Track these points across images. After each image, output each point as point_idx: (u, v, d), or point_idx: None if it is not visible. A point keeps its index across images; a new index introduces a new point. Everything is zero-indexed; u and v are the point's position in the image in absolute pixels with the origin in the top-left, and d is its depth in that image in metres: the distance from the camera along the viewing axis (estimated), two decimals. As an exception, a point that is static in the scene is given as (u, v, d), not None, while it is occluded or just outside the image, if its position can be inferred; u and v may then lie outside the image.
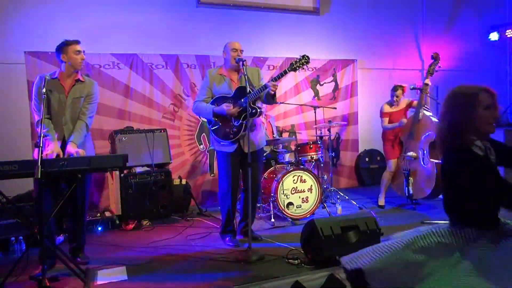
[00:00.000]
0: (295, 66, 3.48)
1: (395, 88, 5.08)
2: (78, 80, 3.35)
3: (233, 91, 3.66)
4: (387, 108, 5.15)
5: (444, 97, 2.16)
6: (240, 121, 3.59)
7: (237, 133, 3.62)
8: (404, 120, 4.93)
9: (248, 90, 3.39)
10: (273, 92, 3.48)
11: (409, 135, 4.82)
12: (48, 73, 3.28)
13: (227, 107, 3.58)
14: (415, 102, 5.00)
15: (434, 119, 4.71)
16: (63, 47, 3.28)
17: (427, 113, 4.80)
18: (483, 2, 7.63)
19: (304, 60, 3.47)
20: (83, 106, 3.36)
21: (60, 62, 3.33)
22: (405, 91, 5.08)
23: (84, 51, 3.36)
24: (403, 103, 5.11)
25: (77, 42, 3.34)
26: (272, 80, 3.51)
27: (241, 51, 3.70)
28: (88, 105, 3.37)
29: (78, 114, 3.34)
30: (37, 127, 3.21)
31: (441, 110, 2.14)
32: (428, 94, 4.80)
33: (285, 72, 3.50)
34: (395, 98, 5.06)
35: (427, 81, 4.78)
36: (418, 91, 4.86)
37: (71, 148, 3.14)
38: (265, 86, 3.47)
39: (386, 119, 5.13)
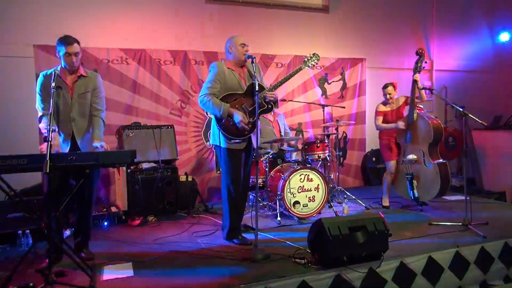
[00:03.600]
0: (309, 63, 3.73)
1: (385, 86, 4.94)
2: (80, 76, 3.30)
3: (244, 87, 3.66)
4: (381, 107, 4.98)
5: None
6: (255, 118, 3.55)
7: (252, 129, 3.62)
8: (401, 124, 4.72)
9: (255, 84, 3.43)
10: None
11: (406, 137, 4.75)
12: (52, 69, 3.21)
13: (243, 122, 3.53)
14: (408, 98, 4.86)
15: (430, 119, 4.65)
16: (57, 45, 3.19)
17: (420, 112, 4.74)
18: (493, 3, 7.55)
19: (315, 58, 3.73)
20: (92, 101, 3.34)
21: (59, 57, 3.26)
22: (396, 87, 4.92)
23: (77, 53, 3.18)
24: (399, 100, 4.94)
25: (68, 42, 3.15)
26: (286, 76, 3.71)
27: (248, 46, 3.68)
28: (97, 99, 3.36)
29: (89, 110, 3.33)
30: (39, 122, 3.22)
31: None
32: (421, 90, 4.69)
33: (300, 69, 3.72)
34: (387, 96, 4.91)
35: (416, 76, 4.64)
36: (428, 91, 4.79)
37: (97, 142, 3.17)
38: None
39: (380, 118, 4.94)
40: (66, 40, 3.17)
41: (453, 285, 3.38)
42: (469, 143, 6.65)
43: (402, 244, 3.54)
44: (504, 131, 6.44)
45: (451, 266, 3.37)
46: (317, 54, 3.77)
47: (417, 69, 4.67)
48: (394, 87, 4.93)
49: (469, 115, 4.18)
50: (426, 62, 4.70)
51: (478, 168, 6.65)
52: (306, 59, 3.75)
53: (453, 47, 7.27)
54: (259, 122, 3.52)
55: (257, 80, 3.50)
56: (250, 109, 3.62)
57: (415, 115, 4.69)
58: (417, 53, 4.70)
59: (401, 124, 4.74)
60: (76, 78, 3.29)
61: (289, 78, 3.73)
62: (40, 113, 3.24)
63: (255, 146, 3.64)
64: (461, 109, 4.23)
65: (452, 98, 7.12)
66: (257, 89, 3.40)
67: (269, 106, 3.66)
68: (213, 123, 3.70)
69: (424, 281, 3.26)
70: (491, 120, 6.80)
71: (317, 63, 3.84)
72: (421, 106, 4.84)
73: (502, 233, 3.78)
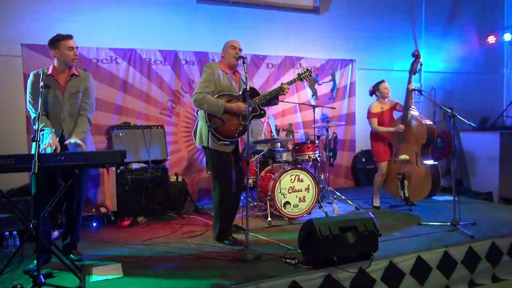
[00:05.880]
0: (302, 77, 3.96)
1: (380, 82, 4.90)
2: (73, 75, 3.26)
3: (236, 90, 3.70)
4: (375, 108, 4.90)
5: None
6: (246, 121, 3.57)
7: (242, 132, 3.68)
8: (401, 127, 4.69)
9: (247, 89, 3.45)
10: (284, 94, 3.84)
11: (399, 137, 4.78)
12: (40, 68, 3.14)
13: (244, 106, 3.58)
14: (399, 105, 4.89)
15: (423, 120, 4.69)
16: (55, 42, 3.17)
17: (415, 113, 4.78)
18: (481, 6, 7.66)
19: (308, 73, 3.99)
20: (82, 101, 3.29)
21: (52, 57, 3.23)
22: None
23: (77, 47, 3.24)
24: (392, 102, 4.94)
25: (70, 37, 3.21)
26: (286, 83, 3.81)
27: (240, 49, 3.71)
28: (87, 99, 3.31)
29: (78, 110, 3.27)
30: (33, 124, 3.13)
31: None
32: (417, 93, 4.75)
33: (294, 81, 3.96)
34: (385, 91, 4.86)
35: (411, 82, 4.72)
36: (418, 92, 4.84)
37: (74, 139, 3.09)
38: (281, 89, 3.76)
39: (375, 120, 4.87)
40: (67, 35, 3.19)
41: (441, 285, 3.42)
42: (457, 144, 6.73)
43: (391, 244, 3.57)
44: (491, 132, 6.53)
45: (439, 265, 3.41)
46: (310, 70, 4.02)
47: (412, 70, 4.73)
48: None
49: (457, 116, 4.23)
50: (421, 65, 4.80)
51: (466, 169, 6.73)
52: (299, 73, 3.98)
53: (442, 49, 7.35)
54: (249, 125, 3.56)
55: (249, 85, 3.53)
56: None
57: (409, 116, 4.72)
58: (413, 55, 4.76)
59: (401, 127, 4.70)
60: (69, 77, 3.24)
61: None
62: (33, 115, 3.15)
63: (240, 150, 3.82)
64: (449, 110, 4.28)
65: (440, 99, 7.21)
66: (248, 91, 3.42)
67: (262, 112, 3.77)
68: (201, 123, 3.70)
69: (412, 281, 3.29)
70: (478, 122, 6.90)
71: (309, 78, 4.03)
72: (415, 107, 4.86)
73: (489, 233, 3.84)
